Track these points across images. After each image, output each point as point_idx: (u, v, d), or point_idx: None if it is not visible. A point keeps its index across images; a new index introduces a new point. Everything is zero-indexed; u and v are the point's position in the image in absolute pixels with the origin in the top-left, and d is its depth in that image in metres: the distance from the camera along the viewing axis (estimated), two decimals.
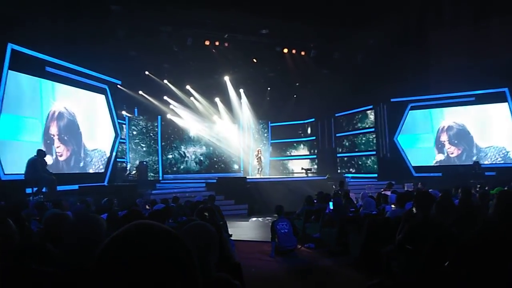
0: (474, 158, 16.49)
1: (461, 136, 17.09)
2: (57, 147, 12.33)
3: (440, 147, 17.57)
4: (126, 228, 0.84)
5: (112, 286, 0.76)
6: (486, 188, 9.38)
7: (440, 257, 2.97)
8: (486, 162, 16.02)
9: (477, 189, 9.66)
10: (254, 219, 12.77)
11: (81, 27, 11.94)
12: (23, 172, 9.71)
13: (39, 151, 9.99)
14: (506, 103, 16.00)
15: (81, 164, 13.45)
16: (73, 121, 13.15)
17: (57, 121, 12.40)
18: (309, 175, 17.09)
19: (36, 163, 9.70)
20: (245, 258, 6.86)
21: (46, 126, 11.97)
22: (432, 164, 17.65)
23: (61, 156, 12.50)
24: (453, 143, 17.22)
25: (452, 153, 17.28)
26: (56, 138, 12.29)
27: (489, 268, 2.53)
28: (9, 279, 1.72)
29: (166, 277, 0.78)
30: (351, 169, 20.71)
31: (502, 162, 16.04)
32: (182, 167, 21.85)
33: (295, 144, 24.44)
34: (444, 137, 17.44)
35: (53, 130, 12.22)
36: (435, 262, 2.97)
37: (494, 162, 16.17)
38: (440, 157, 17.54)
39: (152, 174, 20.09)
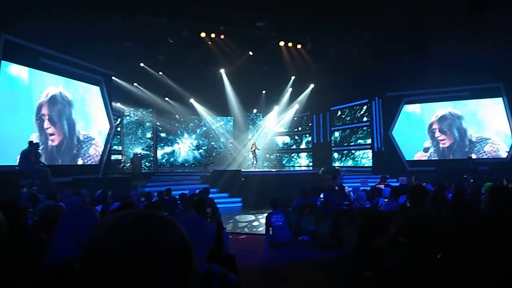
0: (466, 150, 16.62)
1: (453, 125, 17.15)
2: (47, 128, 12.21)
3: (431, 134, 17.64)
4: (118, 215, 0.83)
5: (107, 275, 0.76)
6: (480, 183, 9.45)
7: (433, 251, 2.99)
8: (473, 156, 16.12)
9: (470, 184, 9.74)
10: (249, 213, 12.78)
11: (76, 18, 11.83)
12: (16, 164, 9.67)
13: (31, 142, 9.94)
14: (501, 98, 16.10)
15: (74, 151, 13.37)
16: (66, 107, 13.08)
17: (49, 102, 12.31)
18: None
19: (30, 154, 9.65)
20: (239, 251, 6.88)
21: (38, 105, 11.87)
22: (422, 151, 17.73)
23: (52, 141, 12.41)
24: (443, 132, 17.28)
25: (443, 143, 17.33)
26: (46, 118, 12.17)
27: (482, 262, 2.56)
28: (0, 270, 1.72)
29: (161, 264, 0.77)
30: (345, 163, 20.78)
31: (492, 156, 16.16)
32: (176, 159, 21.85)
33: (293, 137, 24.45)
34: (435, 125, 17.51)
35: (44, 110, 12.14)
36: (428, 255, 2.99)
37: (485, 156, 16.29)
38: (427, 144, 17.61)
39: (146, 166, 20.07)
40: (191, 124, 22.42)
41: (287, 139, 24.54)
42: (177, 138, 22.17)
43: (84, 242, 1.78)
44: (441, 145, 17.38)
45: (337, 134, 21.40)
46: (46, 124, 12.18)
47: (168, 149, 21.92)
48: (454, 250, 2.83)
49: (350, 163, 20.55)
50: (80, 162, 13.66)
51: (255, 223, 10.72)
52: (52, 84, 12.48)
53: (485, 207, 3.00)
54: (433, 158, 17.47)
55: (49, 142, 12.30)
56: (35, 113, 11.78)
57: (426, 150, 17.66)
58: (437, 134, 17.42)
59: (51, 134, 12.38)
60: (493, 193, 2.98)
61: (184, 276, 0.80)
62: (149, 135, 20.82)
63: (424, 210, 3.72)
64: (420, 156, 17.75)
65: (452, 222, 3.28)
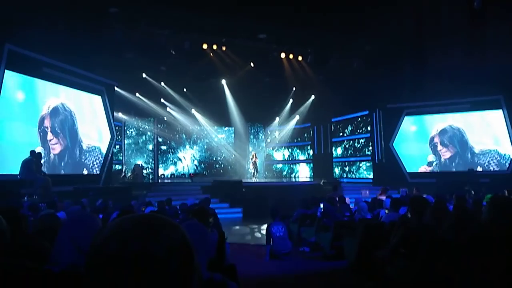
0: (469, 162, 16.61)
1: (454, 138, 17.16)
2: (50, 140, 12.31)
3: (433, 148, 17.65)
4: (120, 219, 0.84)
5: (109, 276, 0.77)
6: (481, 195, 9.45)
7: (434, 262, 2.98)
8: (479, 169, 16.10)
9: (471, 196, 9.73)
10: (249, 222, 12.74)
11: (79, 29, 11.96)
12: (17, 173, 9.68)
13: (33, 152, 9.96)
14: (501, 110, 16.13)
15: (77, 160, 13.41)
16: (68, 117, 13.17)
17: (51, 114, 12.41)
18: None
19: (31, 163, 9.67)
20: (239, 261, 6.83)
21: (40, 117, 11.96)
22: (425, 164, 17.72)
23: (54, 149, 12.49)
24: (445, 145, 17.30)
25: (444, 155, 17.35)
26: (49, 130, 12.28)
27: (483, 272, 2.55)
28: (1, 275, 1.72)
29: (163, 264, 0.78)
30: (346, 174, 20.74)
31: (497, 168, 16.13)
32: (178, 170, 21.84)
33: (290, 148, 24.45)
34: (436, 139, 17.53)
35: (47, 122, 12.24)
36: (429, 266, 2.98)
37: (488, 168, 16.27)
38: (431, 158, 17.62)
39: (147, 176, 20.06)
40: (193, 135, 22.43)
41: (287, 150, 24.53)
42: (178, 150, 22.18)
43: (85, 248, 1.79)
44: (442, 158, 17.38)
45: (339, 150, 21.37)
46: (49, 135, 12.29)
47: (169, 161, 21.91)
48: (455, 261, 2.82)
49: (350, 175, 20.51)
50: (85, 172, 13.73)
51: (255, 234, 10.67)
52: (54, 95, 12.56)
53: (487, 217, 3.00)
54: (435, 171, 17.45)
55: (52, 152, 12.35)
56: (38, 125, 11.86)
57: (430, 164, 17.62)
58: (439, 147, 17.44)
59: (54, 145, 12.46)
60: (495, 202, 2.98)
61: (187, 278, 0.81)
62: (150, 145, 20.84)
63: (425, 221, 3.71)
64: (424, 170, 17.72)
65: (453, 233, 3.28)
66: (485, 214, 3.06)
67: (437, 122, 17.64)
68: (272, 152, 24.51)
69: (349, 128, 20.73)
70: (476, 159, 16.64)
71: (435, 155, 17.60)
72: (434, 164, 17.61)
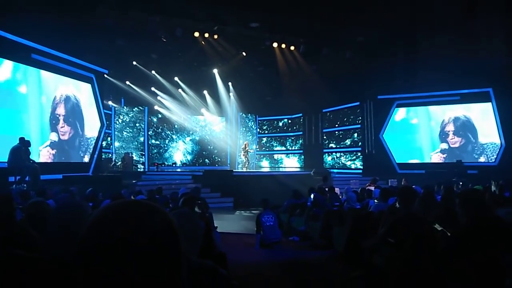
0: (472, 151, 16.69)
1: (464, 128, 17.12)
2: (61, 127, 12.98)
3: (443, 136, 17.65)
4: (105, 206, 0.84)
5: (94, 265, 0.77)
6: (469, 186, 9.58)
7: (421, 251, 3.03)
8: (482, 159, 16.25)
9: (459, 187, 9.86)
10: (239, 212, 12.80)
11: (69, 15, 11.75)
12: (5, 160, 9.57)
13: (22, 139, 9.83)
14: (490, 103, 16.29)
15: (82, 149, 14.13)
16: (77, 106, 13.84)
17: (64, 103, 13.17)
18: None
19: (20, 151, 9.55)
20: (229, 250, 6.87)
21: (53, 106, 12.70)
22: (439, 152, 17.72)
23: (63, 135, 13.12)
24: (456, 133, 17.31)
25: (453, 144, 17.32)
26: (61, 118, 13.00)
27: (468, 263, 2.60)
28: None
29: (146, 252, 0.78)
30: (336, 165, 20.86)
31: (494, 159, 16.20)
32: (168, 159, 21.76)
33: (282, 139, 24.50)
34: (449, 127, 17.43)
35: (60, 110, 13.00)
36: (416, 255, 3.03)
37: (491, 159, 16.32)
38: (444, 145, 17.58)
39: (137, 165, 19.97)
40: (184, 124, 22.31)
41: (279, 140, 24.57)
42: (169, 138, 22.08)
43: (75, 236, 1.78)
44: (452, 146, 17.33)
45: (328, 135, 21.45)
46: (61, 123, 13.04)
47: (160, 151, 21.81)
48: (442, 251, 2.87)
49: (341, 165, 20.63)
50: (86, 159, 14.27)
51: (246, 223, 10.72)
52: (45, 82, 12.42)
53: (461, 216, 3.01)
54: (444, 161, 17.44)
55: (61, 137, 12.99)
56: (50, 115, 12.57)
57: (443, 151, 17.56)
58: (451, 136, 17.37)
59: (64, 131, 13.17)
60: (464, 199, 3.00)
61: (173, 264, 0.80)
62: (140, 133, 20.72)
63: (413, 211, 3.76)
64: (437, 157, 17.62)
65: (440, 223, 3.32)
66: (458, 213, 3.06)
67: (429, 113, 17.76)
68: (267, 140, 24.53)
69: (340, 119, 20.78)
70: (484, 150, 16.65)
71: (443, 142, 17.50)
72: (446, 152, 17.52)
